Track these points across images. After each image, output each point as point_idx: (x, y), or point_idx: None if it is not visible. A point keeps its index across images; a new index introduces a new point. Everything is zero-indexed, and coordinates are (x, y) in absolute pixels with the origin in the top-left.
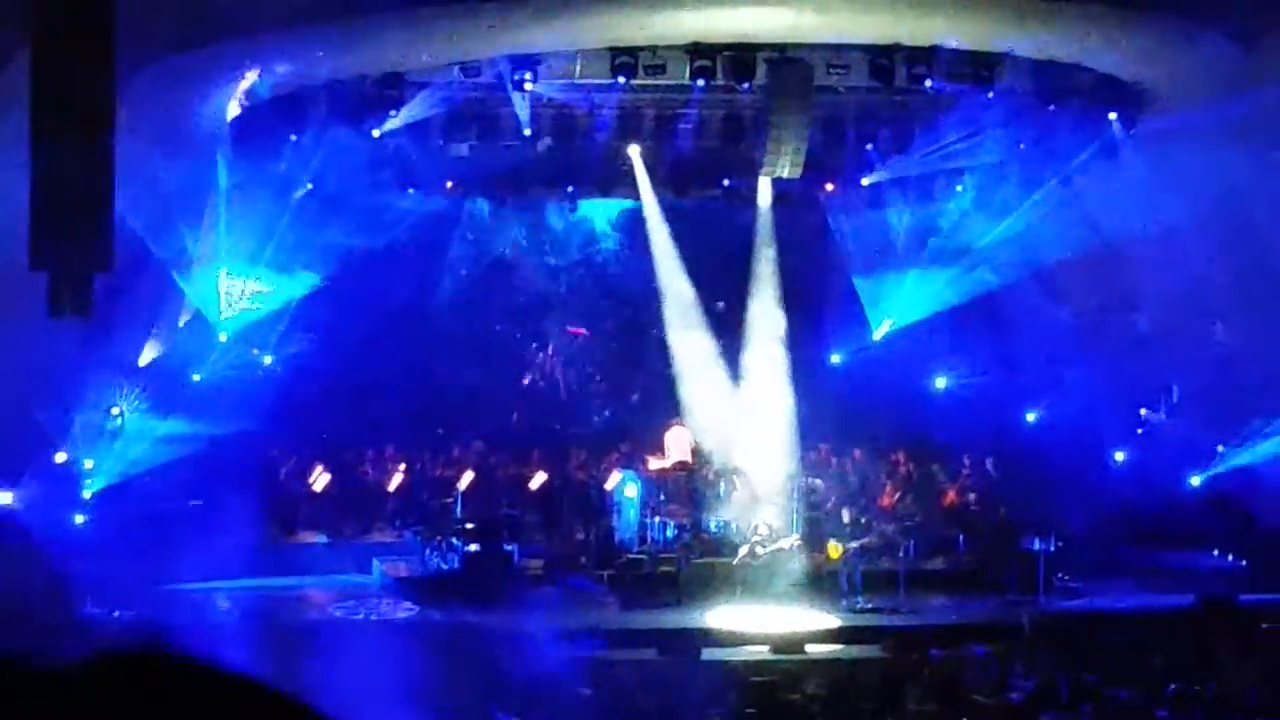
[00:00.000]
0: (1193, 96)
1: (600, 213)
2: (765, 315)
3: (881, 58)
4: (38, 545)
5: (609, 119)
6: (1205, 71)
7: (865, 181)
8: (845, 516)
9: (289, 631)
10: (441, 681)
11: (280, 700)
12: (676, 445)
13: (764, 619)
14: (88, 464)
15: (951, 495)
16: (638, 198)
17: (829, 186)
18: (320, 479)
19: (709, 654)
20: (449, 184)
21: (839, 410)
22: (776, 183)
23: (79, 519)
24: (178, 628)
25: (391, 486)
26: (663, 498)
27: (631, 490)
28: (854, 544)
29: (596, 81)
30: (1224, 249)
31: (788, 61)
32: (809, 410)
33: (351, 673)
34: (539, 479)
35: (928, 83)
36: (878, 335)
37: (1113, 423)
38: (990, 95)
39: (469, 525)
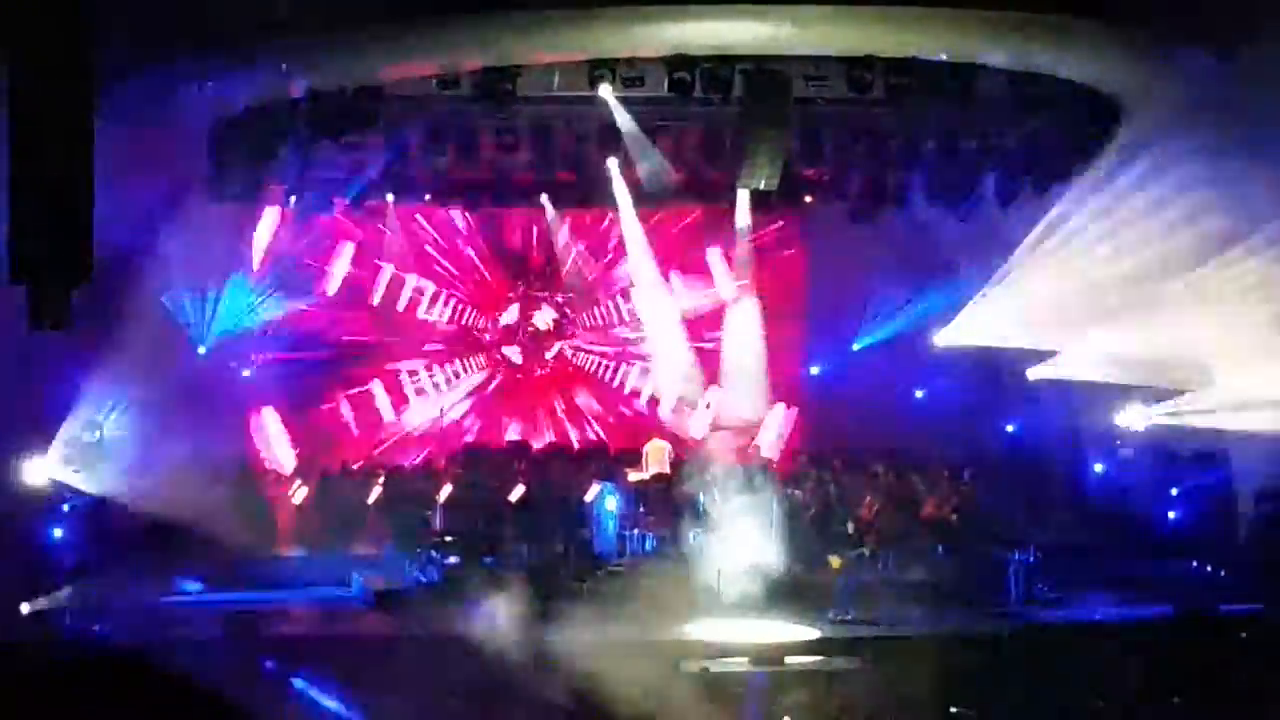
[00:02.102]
0: (1172, 107)
1: None
2: (744, 326)
3: (859, 69)
4: (19, 557)
5: (587, 131)
6: (1184, 82)
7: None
8: (849, 528)
9: (267, 645)
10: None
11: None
12: (655, 458)
13: (743, 631)
14: (66, 478)
15: (931, 506)
16: (616, 209)
17: (808, 198)
18: (299, 492)
19: (687, 666)
20: (427, 196)
21: (818, 421)
22: (755, 194)
23: (58, 533)
24: (157, 641)
25: (370, 499)
26: (642, 510)
27: (611, 503)
28: (854, 554)
29: (574, 94)
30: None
31: (765, 74)
32: (788, 420)
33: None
34: (518, 491)
35: (907, 95)
36: (857, 346)
37: (1092, 434)
38: (969, 107)
39: (448, 538)
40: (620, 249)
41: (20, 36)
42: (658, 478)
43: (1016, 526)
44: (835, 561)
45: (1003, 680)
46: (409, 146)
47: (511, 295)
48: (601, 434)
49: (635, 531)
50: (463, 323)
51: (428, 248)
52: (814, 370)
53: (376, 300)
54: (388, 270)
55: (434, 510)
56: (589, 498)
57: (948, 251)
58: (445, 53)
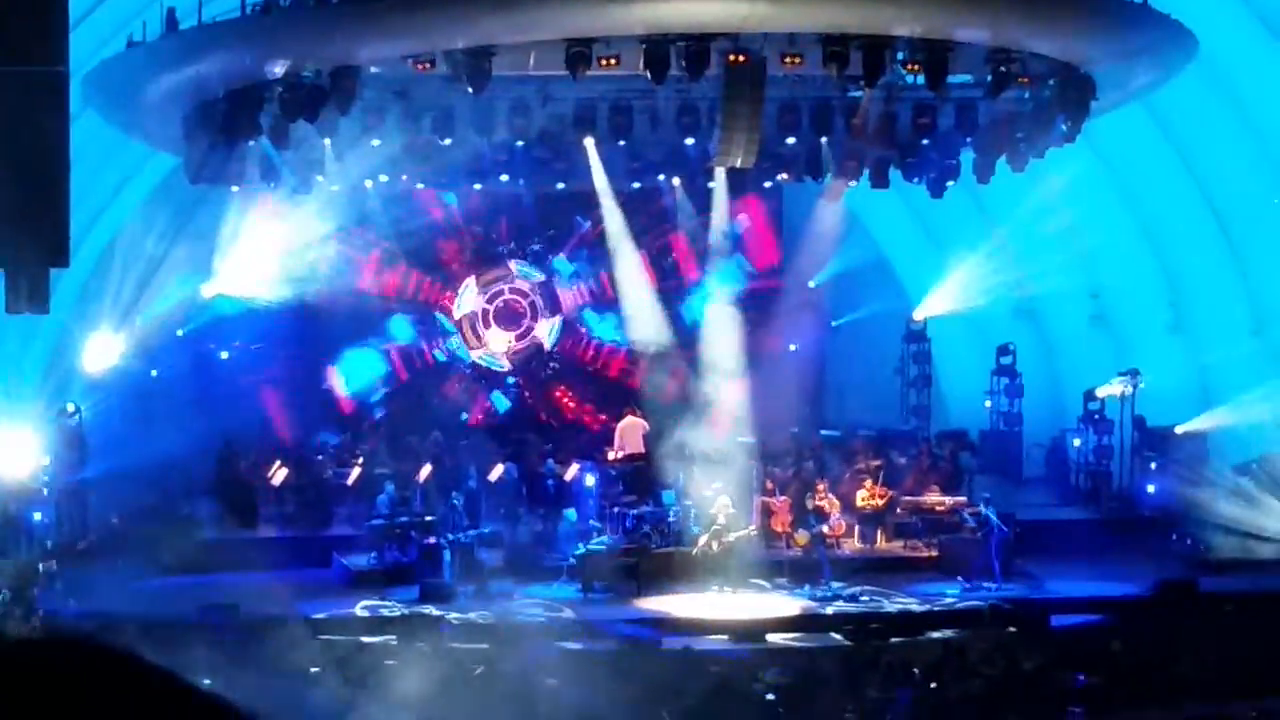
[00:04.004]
0: (1144, 79)
1: None
2: (723, 303)
3: (835, 47)
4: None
5: (564, 110)
6: (1154, 53)
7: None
8: (808, 504)
9: (247, 626)
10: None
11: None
12: (630, 436)
13: (724, 608)
14: (45, 460)
15: (910, 482)
16: (593, 186)
17: (783, 175)
18: (278, 474)
19: (669, 643)
20: (403, 177)
21: (797, 397)
22: (732, 172)
23: (38, 516)
24: (134, 621)
25: (350, 480)
26: (620, 488)
27: (590, 481)
28: (818, 529)
29: (551, 73)
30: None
31: (741, 52)
32: (767, 397)
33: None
34: (498, 471)
35: (883, 73)
36: (836, 322)
37: (1070, 407)
38: (945, 84)
39: (428, 518)
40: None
41: None
42: (632, 456)
43: (997, 501)
44: (801, 539)
45: (983, 655)
46: (384, 127)
47: (482, 272)
48: (578, 413)
49: (615, 510)
50: (430, 299)
51: (411, 227)
52: (792, 346)
53: (365, 282)
54: (372, 252)
55: (414, 490)
56: (569, 476)
57: (928, 227)
58: (422, 33)
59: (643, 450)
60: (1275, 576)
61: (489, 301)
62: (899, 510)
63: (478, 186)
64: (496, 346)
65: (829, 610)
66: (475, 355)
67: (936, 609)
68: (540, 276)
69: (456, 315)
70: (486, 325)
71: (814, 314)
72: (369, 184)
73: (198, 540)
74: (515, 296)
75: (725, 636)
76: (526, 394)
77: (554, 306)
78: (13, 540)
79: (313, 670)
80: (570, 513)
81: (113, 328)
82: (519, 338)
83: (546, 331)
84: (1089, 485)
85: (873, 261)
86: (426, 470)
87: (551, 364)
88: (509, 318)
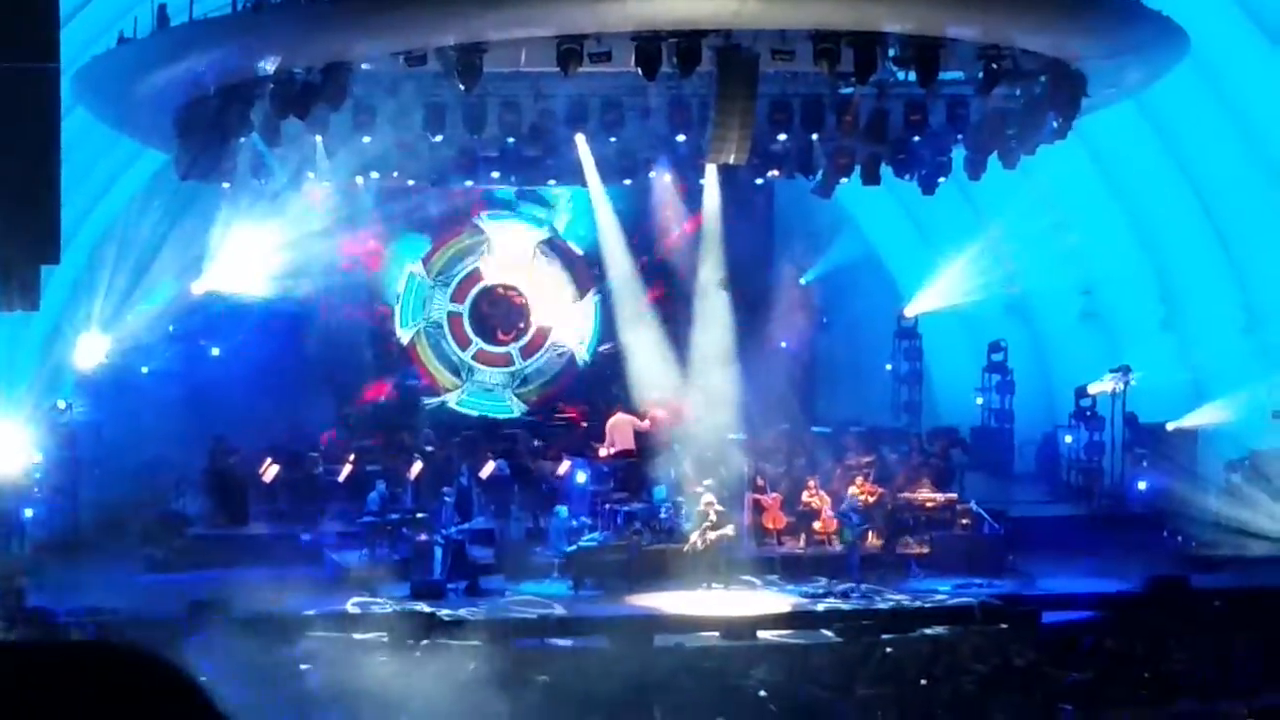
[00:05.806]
0: (1135, 76)
1: None
2: (713, 299)
3: (827, 44)
4: None
5: (555, 107)
6: (1145, 50)
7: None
8: (808, 494)
9: (239, 623)
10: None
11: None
12: (620, 433)
13: (715, 605)
14: (37, 457)
15: (901, 479)
16: (584, 184)
17: (774, 172)
18: (270, 470)
19: (660, 640)
20: (394, 174)
21: (788, 394)
22: (723, 168)
23: (29, 512)
24: (128, 619)
25: (341, 477)
26: (612, 485)
27: (581, 478)
28: (864, 528)
29: (542, 70)
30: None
31: (732, 49)
32: (758, 394)
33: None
34: (489, 468)
35: (874, 70)
36: (827, 319)
37: (1061, 404)
38: (936, 81)
39: (419, 515)
40: None
41: None
42: (624, 453)
43: (988, 498)
44: (845, 536)
45: (975, 652)
46: (376, 124)
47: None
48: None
49: (607, 506)
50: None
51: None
52: (783, 343)
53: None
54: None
55: (405, 487)
56: (560, 473)
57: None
58: (413, 29)
59: (633, 447)
60: (1266, 573)
61: (457, 300)
62: (890, 507)
63: (469, 184)
64: (485, 383)
65: (820, 607)
66: (451, 399)
67: (928, 606)
68: (544, 233)
69: (404, 339)
70: (464, 343)
71: (805, 310)
72: (360, 180)
73: (188, 536)
74: (504, 283)
75: (717, 633)
76: (584, 423)
77: (581, 276)
78: (2, 536)
79: (303, 667)
80: (562, 509)
81: (103, 325)
82: (527, 352)
83: (577, 329)
84: (1080, 482)
85: (864, 258)
86: (418, 467)
87: (608, 347)
88: (502, 320)
